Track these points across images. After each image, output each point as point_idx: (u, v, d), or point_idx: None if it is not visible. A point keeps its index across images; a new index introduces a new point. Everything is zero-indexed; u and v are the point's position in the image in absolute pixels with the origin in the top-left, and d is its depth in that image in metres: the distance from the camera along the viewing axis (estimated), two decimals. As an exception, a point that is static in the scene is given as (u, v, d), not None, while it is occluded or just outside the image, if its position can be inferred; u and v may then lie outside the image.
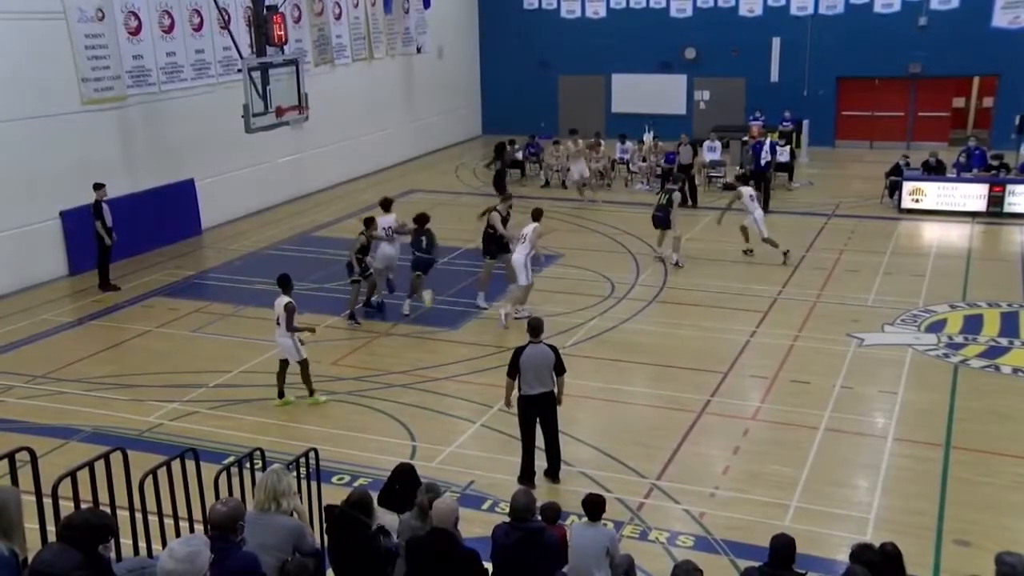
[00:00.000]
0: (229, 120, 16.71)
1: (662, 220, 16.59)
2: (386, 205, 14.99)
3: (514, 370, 9.12)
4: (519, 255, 13.73)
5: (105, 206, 15.50)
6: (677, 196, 16.71)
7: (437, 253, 14.68)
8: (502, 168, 21.71)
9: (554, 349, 9.20)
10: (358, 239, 13.94)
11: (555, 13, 29.96)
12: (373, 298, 14.55)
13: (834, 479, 9.39)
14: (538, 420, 9.26)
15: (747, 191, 16.73)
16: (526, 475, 9.33)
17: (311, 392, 11.31)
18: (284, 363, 11.28)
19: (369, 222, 14.05)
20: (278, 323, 11.06)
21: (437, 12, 27.37)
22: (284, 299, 11.04)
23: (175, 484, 6.56)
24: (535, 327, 9.25)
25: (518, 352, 9.11)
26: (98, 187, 15.51)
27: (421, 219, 14.40)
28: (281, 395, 11.33)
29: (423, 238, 14.26)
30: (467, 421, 10.89)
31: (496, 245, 14.38)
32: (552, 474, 9.41)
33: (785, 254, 16.65)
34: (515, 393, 9.32)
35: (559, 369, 9.15)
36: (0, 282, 15.49)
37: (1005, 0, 25.30)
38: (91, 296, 15.55)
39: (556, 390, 9.21)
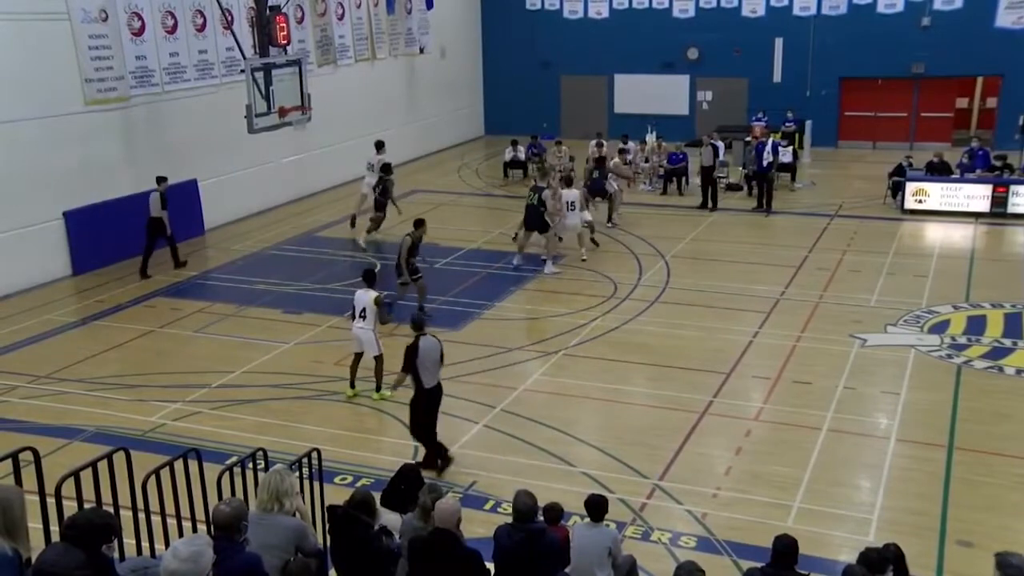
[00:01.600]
0: (232, 120, 16.71)
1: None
2: (379, 146, 19.21)
3: (411, 365, 9.31)
4: (577, 219, 16.71)
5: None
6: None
7: (388, 198, 18.00)
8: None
9: (438, 339, 9.59)
10: (405, 240, 13.90)
11: (558, 13, 29.94)
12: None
13: (836, 480, 9.39)
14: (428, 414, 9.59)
15: (569, 195, 16.74)
16: (430, 462, 9.52)
17: (379, 387, 11.39)
18: (359, 356, 11.42)
19: (419, 223, 14.07)
20: (362, 316, 11.18)
21: (439, 12, 27.37)
22: (372, 293, 11.21)
23: (178, 484, 6.56)
24: (420, 322, 9.64)
25: (414, 348, 9.30)
26: (161, 180, 16.42)
27: (385, 168, 18.11)
28: (353, 385, 11.53)
29: (380, 185, 17.86)
30: (469, 421, 10.89)
31: (542, 221, 16.38)
32: (432, 464, 9.53)
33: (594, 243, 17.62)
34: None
35: (441, 358, 9.54)
36: (3, 282, 15.51)
37: (1008, 0, 25.27)
38: (94, 296, 15.58)
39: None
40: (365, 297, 11.25)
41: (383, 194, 17.79)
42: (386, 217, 18.04)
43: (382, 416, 11.06)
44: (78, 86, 16.00)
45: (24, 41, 15.37)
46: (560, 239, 17.10)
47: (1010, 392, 11.42)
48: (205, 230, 19.41)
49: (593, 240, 17.61)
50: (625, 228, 19.09)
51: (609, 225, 19.33)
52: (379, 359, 11.36)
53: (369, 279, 11.46)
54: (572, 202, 16.59)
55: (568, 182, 17.10)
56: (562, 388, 11.70)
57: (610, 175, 19.58)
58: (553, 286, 15.72)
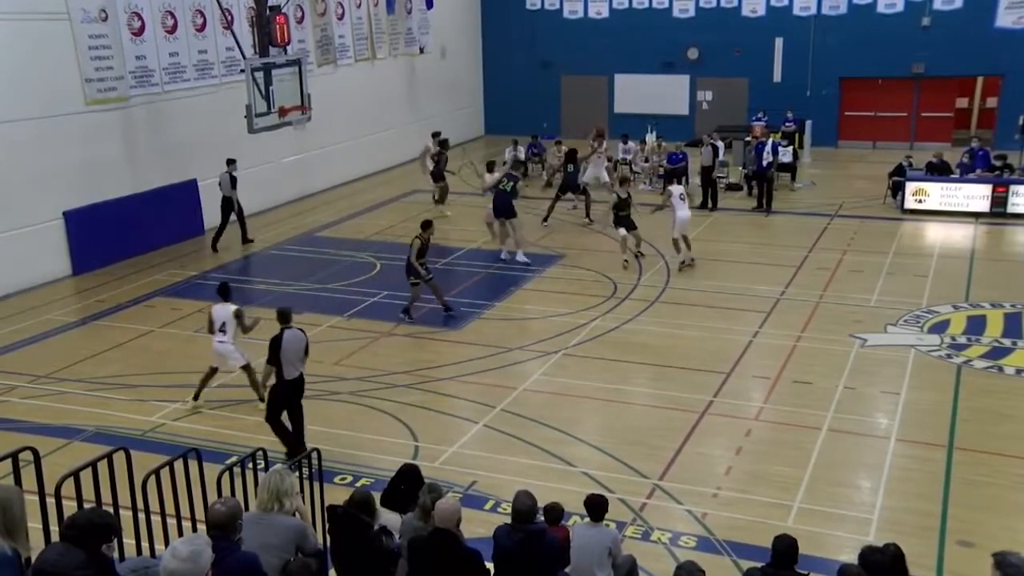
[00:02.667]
0: (232, 120, 16.72)
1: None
2: (444, 144, 21.39)
3: (275, 357, 9.50)
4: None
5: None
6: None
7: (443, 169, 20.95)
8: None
9: (304, 332, 9.76)
10: (414, 242, 13.85)
11: (558, 13, 29.94)
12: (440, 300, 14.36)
13: (837, 480, 9.38)
14: (288, 404, 9.70)
15: (676, 190, 16.77)
16: (294, 451, 9.50)
17: (261, 397, 11.01)
18: (214, 370, 11.23)
19: (426, 225, 14.10)
20: (221, 330, 10.97)
21: (439, 12, 27.37)
22: (231, 306, 11.03)
23: (178, 484, 6.57)
24: (286, 314, 9.79)
25: (277, 340, 9.52)
26: (231, 162, 17.90)
27: (443, 143, 21.06)
28: (196, 397, 11.29)
29: (438, 158, 20.73)
30: (469, 421, 10.89)
31: (511, 208, 17.07)
32: (293, 454, 9.47)
33: (683, 263, 16.27)
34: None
35: (307, 351, 9.72)
36: (3, 282, 15.51)
37: (1009, 0, 25.26)
38: (94, 296, 15.59)
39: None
40: (224, 311, 11.00)
41: (439, 165, 20.65)
42: (447, 185, 20.87)
43: (382, 416, 11.05)
44: (78, 86, 16.01)
45: (24, 41, 15.37)
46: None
47: (1010, 392, 11.42)
48: (205, 230, 19.38)
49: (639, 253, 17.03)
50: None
51: (587, 222, 19.63)
52: (247, 368, 11.13)
53: (224, 292, 11.22)
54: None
55: (490, 167, 18.21)
56: (562, 388, 11.70)
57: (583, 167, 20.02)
58: (553, 286, 15.73)
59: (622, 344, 13.13)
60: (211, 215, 19.48)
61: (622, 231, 16.53)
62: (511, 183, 17.17)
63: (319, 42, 22.20)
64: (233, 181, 17.96)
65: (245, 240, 18.54)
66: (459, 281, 16.13)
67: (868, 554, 5.80)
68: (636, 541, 8.28)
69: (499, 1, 30.61)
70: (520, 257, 16.86)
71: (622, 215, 16.50)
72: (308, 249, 18.39)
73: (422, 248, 13.84)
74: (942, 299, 14.58)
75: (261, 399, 10.93)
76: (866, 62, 26.76)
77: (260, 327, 11.06)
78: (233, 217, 18.31)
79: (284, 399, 9.69)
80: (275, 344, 9.52)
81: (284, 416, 9.82)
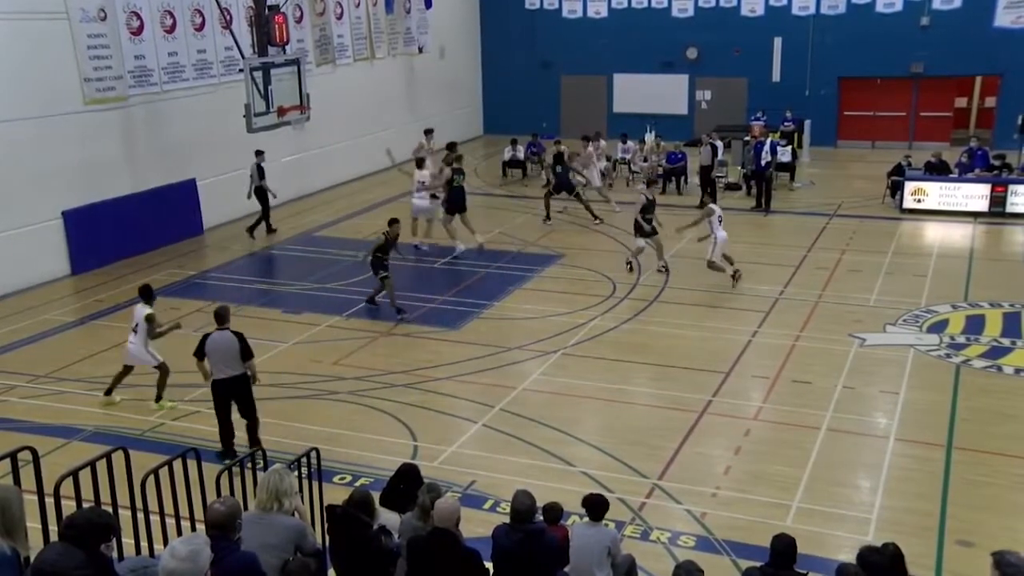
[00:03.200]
0: (231, 120, 16.71)
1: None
2: (452, 146, 19.49)
3: (202, 353, 9.75)
4: (424, 202, 17.84)
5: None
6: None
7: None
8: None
9: (238, 335, 9.68)
10: (379, 238, 14.06)
11: (557, 13, 29.94)
12: (378, 296, 14.61)
13: (836, 479, 9.38)
14: (234, 400, 9.84)
15: (717, 210, 15.79)
16: (227, 451, 9.77)
17: (158, 397, 11.26)
18: (128, 368, 11.30)
19: (393, 221, 14.28)
20: (134, 330, 11.09)
21: (438, 12, 27.36)
22: (146, 309, 11.06)
23: (176, 484, 6.57)
24: (220, 315, 9.83)
25: (204, 338, 9.74)
26: (259, 153, 18.39)
27: (450, 146, 19.34)
28: (109, 393, 11.36)
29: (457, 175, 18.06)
30: (469, 421, 10.89)
31: (464, 203, 17.58)
32: (255, 443, 9.71)
33: (734, 275, 15.47)
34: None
35: (245, 355, 9.66)
36: (2, 282, 15.50)
37: (1007, 0, 25.28)
38: (93, 296, 15.58)
39: (250, 372, 9.79)
40: (139, 312, 11.08)
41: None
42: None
43: (381, 416, 11.05)
44: (77, 85, 16.00)
45: (23, 41, 15.36)
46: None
47: (1009, 391, 11.43)
48: (204, 230, 19.40)
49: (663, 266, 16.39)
50: (626, 228, 19.03)
51: (598, 222, 19.50)
52: (160, 368, 11.20)
53: (145, 294, 11.20)
54: (423, 182, 17.60)
55: (419, 164, 18.00)
56: (561, 388, 11.70)
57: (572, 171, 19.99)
58: (552, 286, 15.72)
59: (621, 344, 13.13)
60: (210, 215, 19.55)
61: (640, 242, 16.14)
62: (462, 178, 17.60)
63: (318, 42, 22.20)
64: (261, 171, 18.58)
65: (251, 231, 18.95)
66: (458, 280, 16.12)
67: (867, 554, 5.81)
68: (635, 541, 8.28)
69: (498, 1, 30.61)
70: (479, 239, 17.64)
71: (647, 218, 15.96)
72: (307, 249, 18.38)
73: (384, 244, 13.97)
74: (941, 299, 14.59)
75: (157, 399, 11.24)
76: (865, 62, 26.77)
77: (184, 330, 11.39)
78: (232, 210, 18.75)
79: (218, 396, 9.81)
80: (201, 342, 9.75)
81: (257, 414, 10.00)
